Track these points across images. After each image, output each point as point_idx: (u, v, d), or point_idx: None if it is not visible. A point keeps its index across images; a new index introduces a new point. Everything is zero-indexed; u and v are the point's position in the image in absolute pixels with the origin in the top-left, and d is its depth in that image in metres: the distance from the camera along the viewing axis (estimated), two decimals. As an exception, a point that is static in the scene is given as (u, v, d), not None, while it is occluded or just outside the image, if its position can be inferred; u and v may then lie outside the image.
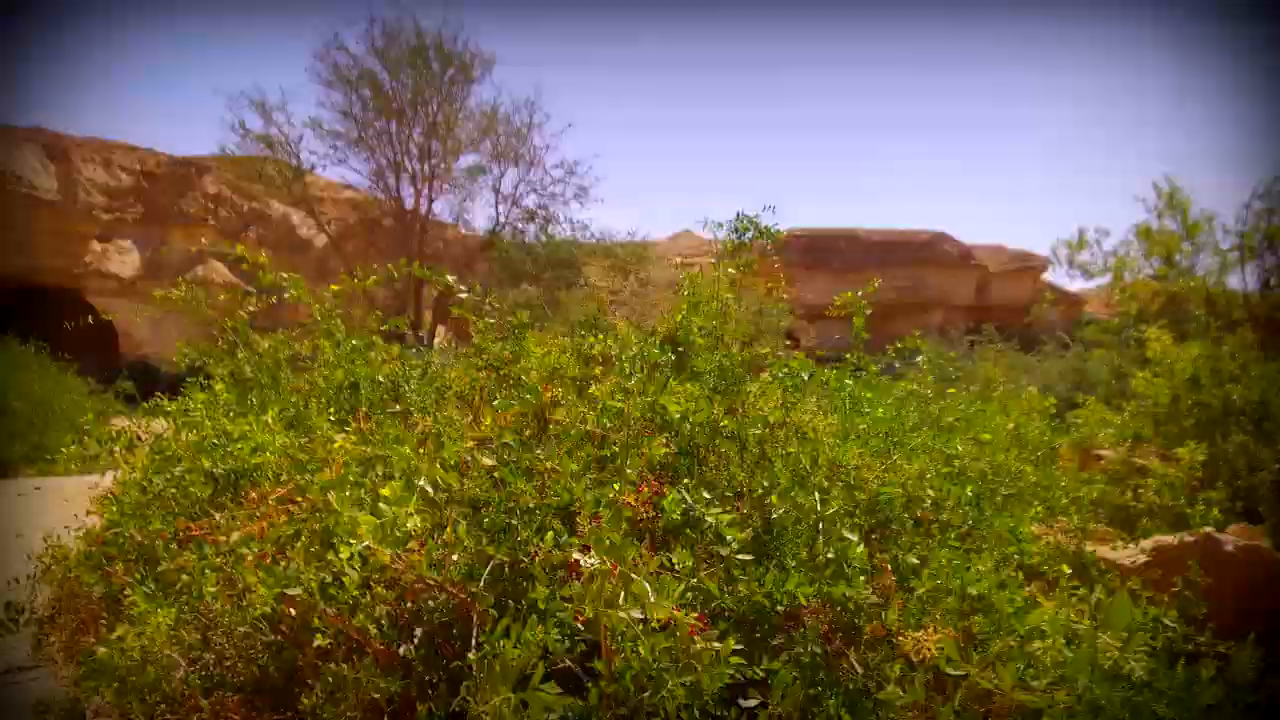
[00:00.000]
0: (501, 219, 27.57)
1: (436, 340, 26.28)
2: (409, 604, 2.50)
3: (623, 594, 1.83)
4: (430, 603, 2.48)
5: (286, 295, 6.65)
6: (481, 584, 2.38)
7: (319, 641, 2.51)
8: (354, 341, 4.86)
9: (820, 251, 39.32)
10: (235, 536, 2.92)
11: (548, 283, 27.38)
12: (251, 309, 6.10)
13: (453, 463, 2.54)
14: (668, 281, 34.71)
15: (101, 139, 30.97)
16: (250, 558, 3.03)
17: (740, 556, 2.25)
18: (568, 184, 26.89)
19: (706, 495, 2.39)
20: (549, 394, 3.15)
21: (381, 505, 2.29)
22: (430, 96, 25.25)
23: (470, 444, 2.70)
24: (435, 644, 2.51)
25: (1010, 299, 42.99)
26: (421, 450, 2.58)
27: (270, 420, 3.88)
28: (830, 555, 2.41)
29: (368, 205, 29.29)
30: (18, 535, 11.70)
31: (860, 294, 4.76)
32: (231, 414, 4.27)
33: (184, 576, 3.07)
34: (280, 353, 6.27)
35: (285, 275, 5.17)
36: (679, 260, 40.82)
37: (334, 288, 6.45)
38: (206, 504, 3.81)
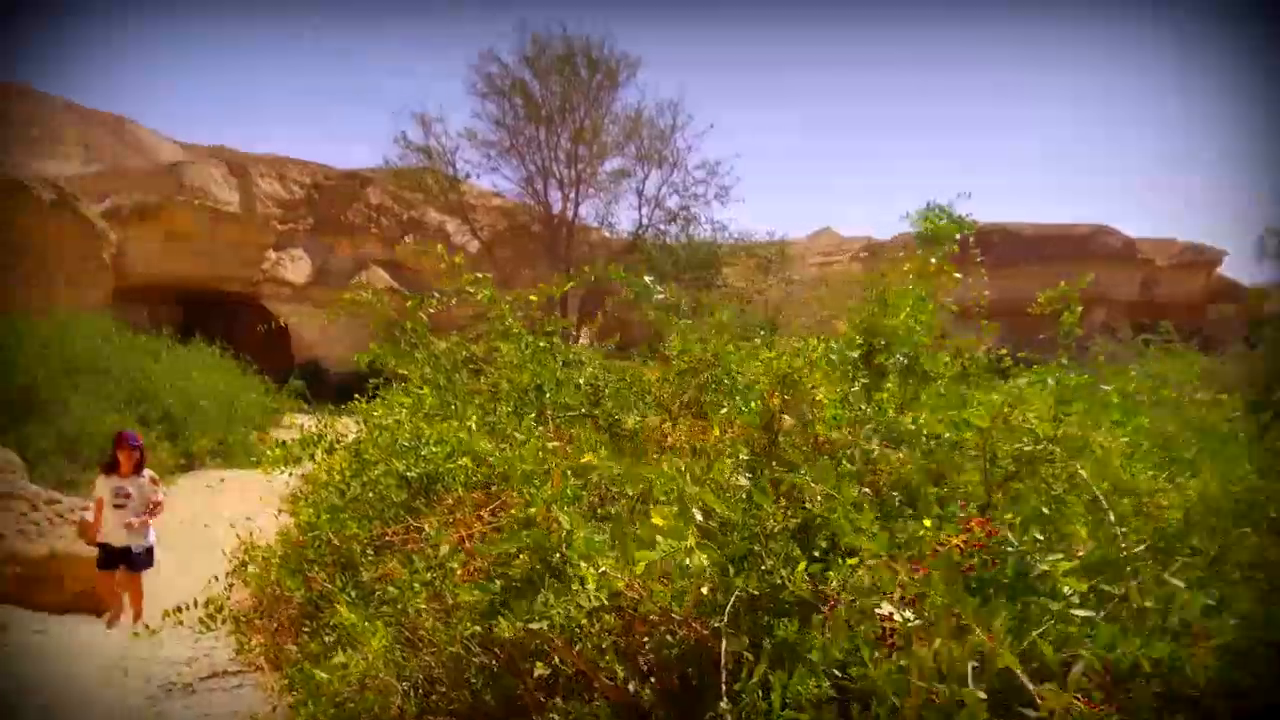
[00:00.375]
0: (644, 221, 27.53)
1: (581, 341, 26.46)
2: (641, 636, 2.20)
3: (967, 664, 1.43)
4: (668, 637, 2.17)
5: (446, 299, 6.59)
6: (725, 619, 2.05)
7: (539, 670, 2.25)
8: (540, 342, 4.65)
9: (971, 247, 37.33)
10: (444, 550, 2.71)
11: (688, 284, 27.13)
12: (432, 310, 5.99)
13: (718, 483, 2.22)
14: (811, 280, 33.87)
15: (276, 155, 32.89)
16: (459, 571, 2.82)
17: (1079, 612, 1.81)
18: (709, 184, 26.59)
19: (1038, 536, 1.97)
20: (775, 400, 2.79)
21: (643, 533, 1.97)
22: (578, 102, 25.51)
23: (730, 461, 2.36)
24: (671, 685, 2.19)
25: (1180, 294, 39.68)
26: (681, 469, 2.26)
27: (474, 424, 3.68)
28: (1149, 604, 1.94)
29: (517, 211, 29.87)
30: (205, 525, 12.36)
31: (1055, 289, 4.17)
32: (427, 416, 4.11)
33: (390, 589, 2.88)
34: (457, 354, 6.16)
35: (478, 275, 5.00)
36: (820, 259, 39.80)
37: (534, 296, 6.28)
38: (401, 509, 3.66)
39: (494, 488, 3.70)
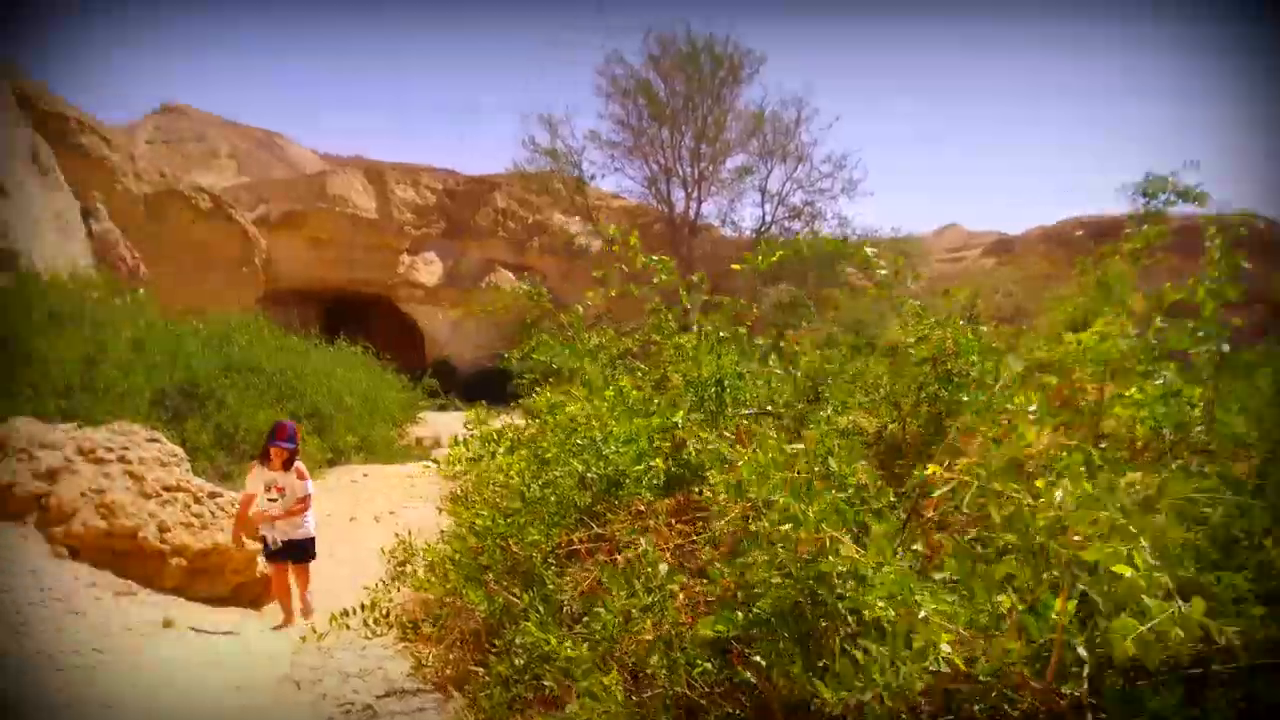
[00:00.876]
0: (768, 218, 26.79)
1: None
2: (965, 702, 1.66)
3: None
4: (1007, 708, 1.62)
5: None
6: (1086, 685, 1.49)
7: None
8: (723, 333, 4.15)
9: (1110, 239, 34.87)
10: (662, 569, 2.25)
11: (812, 281, 26.24)
12: (598, 304, 5.59)
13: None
14: (938, 277, 32.30)
15: (410, 164, 33.73)
16: (680, 594, 2.35)
17: None
18: (835, 178, 25.63)
19: None
20: (1094, 393, 2.20)
21: (997, 570, 1.45)
22: (701, 100, 25.06)
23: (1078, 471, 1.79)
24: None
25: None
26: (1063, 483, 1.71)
27: (682, 420, 3.21)
28: None
29: (638, 212, 29.65)
30: (350, 519, 12.44)
31: None
32: (615, 412, 3.68)
33: (604, 614, 2.43)
34: (612, 349, 5.74)
35: (656, 258, 4.54)
36: (947, 256, 37.96)
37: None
38: (584, 514, 3.25)
39: (692, 493, 3.24)
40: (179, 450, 7.55)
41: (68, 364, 12.55)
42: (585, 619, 2.69)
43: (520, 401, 6.17)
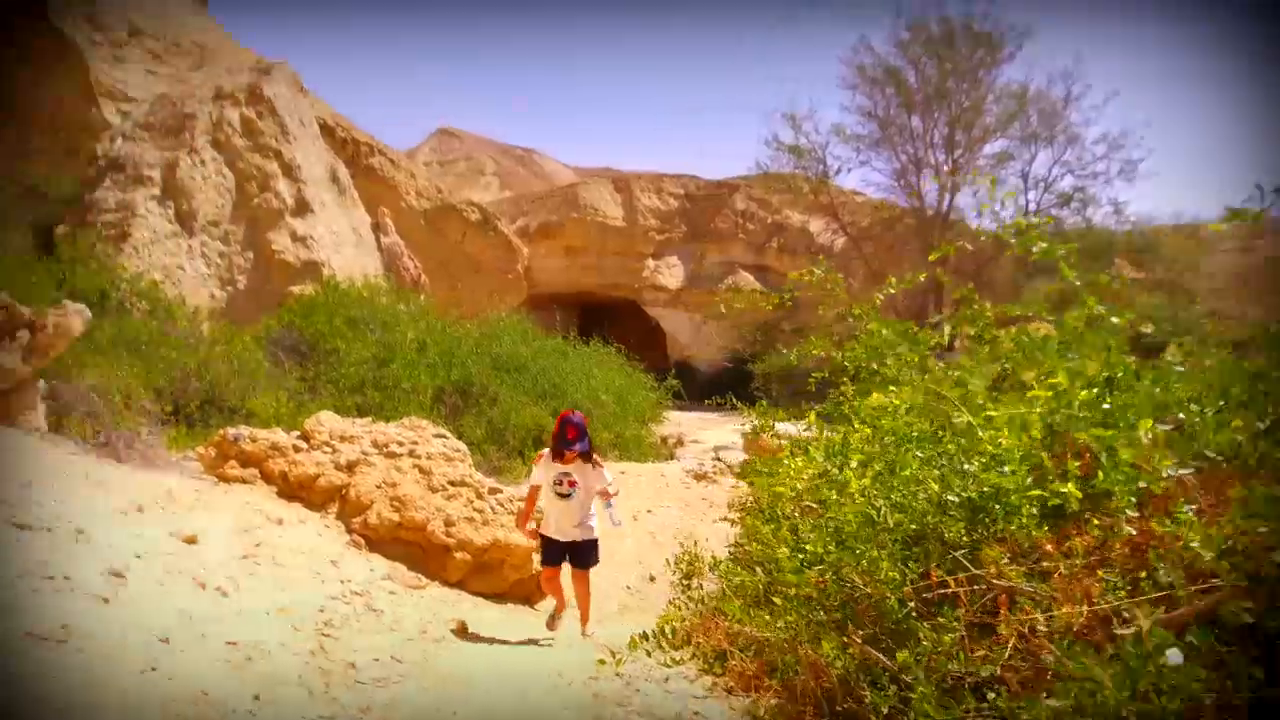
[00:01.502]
0: (1031, 206, 24.19)
1: (956, 345, 23.90)
2: None
3: None
4: None
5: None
6: None
7: None
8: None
9: None
10: (1146, 625, 1.49)
11: (1080, 276, 23.31)
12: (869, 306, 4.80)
13: None
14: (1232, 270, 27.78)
15: (653, 172, 34.13)
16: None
17: None
18: (1110, 160, 22.61)
19: None
20: None
21: None
22: (956, 84, 23.08)
23: None
24: None
25: None
26: None
27: (1112, 436, 2.40)
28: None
29: (883, 207, 27.98)
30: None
31: None
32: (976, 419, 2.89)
33: (1053, 703, 1.70)
34: (924, 344, 4.88)
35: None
36: (1233, 245, 32.65)
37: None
38: (948, 545, 2.51)
39: (1090, 525, 2.41)
40: (462, 446, 7.58)
41: (362, 363, 13.50)
42: (992, 696, 1.97)
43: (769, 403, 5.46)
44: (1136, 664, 1.53)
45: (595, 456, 5.67)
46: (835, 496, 3.02)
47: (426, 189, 22.50)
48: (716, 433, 24.31)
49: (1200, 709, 1.51)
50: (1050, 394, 2.80)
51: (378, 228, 19.04)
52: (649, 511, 12.28)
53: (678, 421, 23.80)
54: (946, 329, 4.85)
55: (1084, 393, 2.66)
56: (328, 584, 4.88)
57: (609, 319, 32.70)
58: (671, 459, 18.82)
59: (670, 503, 13.43)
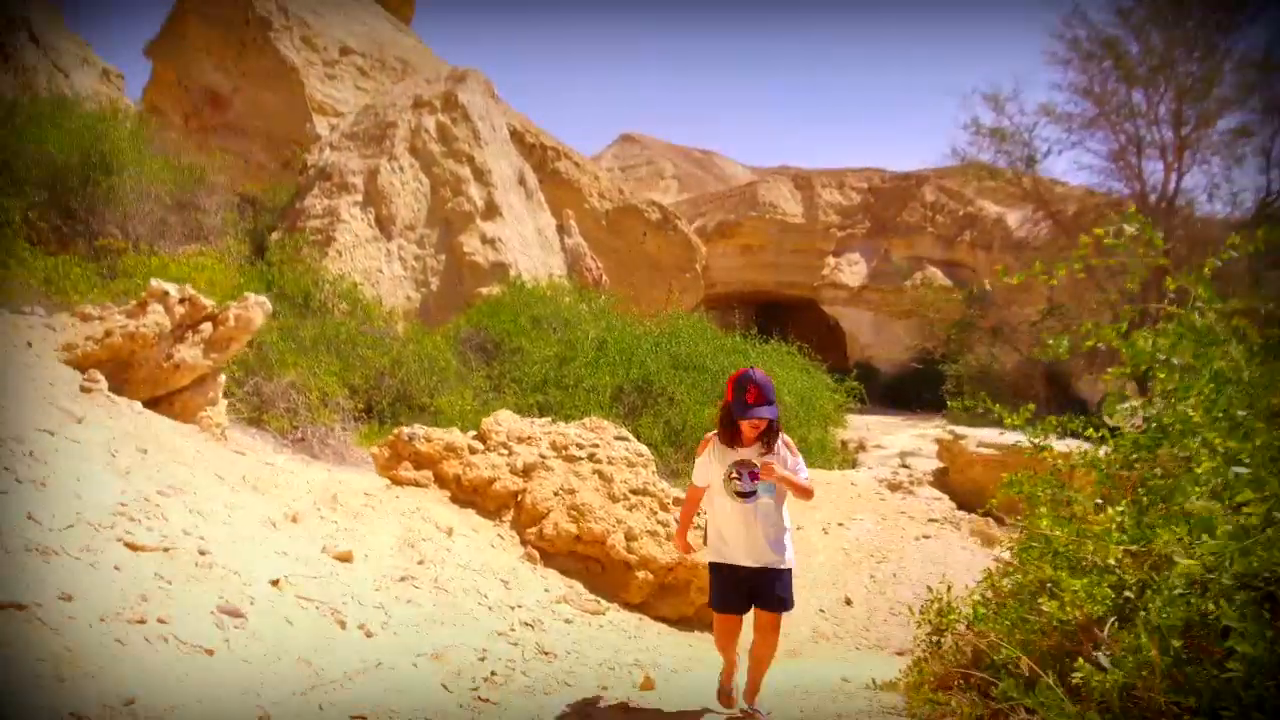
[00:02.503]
0: (1274, 186, 20.46)
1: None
2: None
3: None
4: None
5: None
6: None
7: None
8: None
9: None
10: None
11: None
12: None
13: None
14: None
15: (837, 168, 32.30)
16: None
17: None
18: (1387, 130, 18.63)
19: None
20: None
21: None
22: (1185, 53, 19.84)
23: None
24: None
25: None
26: None
27: None
28: None
29: (1087, 197, 24.73)
30: (798, 528, 11.07)
31: None
32: None
33: None
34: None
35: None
36: None
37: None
38: None
39: None
40: (645, 450, 6.67)
41: (544, 362, 13.05)
42: None
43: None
44: None
45: (785, 438, 3.61)
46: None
47: (609, 190, 22.08)
48: (900, 437, 22.35)
49: None
50: None
51: (562, 229, 18.74)
52: (840, 525, 10.93)
53: (857, 425, 22.07)
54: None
55: None
56: (495, 612, 4.07)
57: (786, 318, 31.18)
58: (853, 465, 17.32)
59: (863, 515, 11.95)
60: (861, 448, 20.39)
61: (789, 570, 3.62)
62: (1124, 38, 20.07)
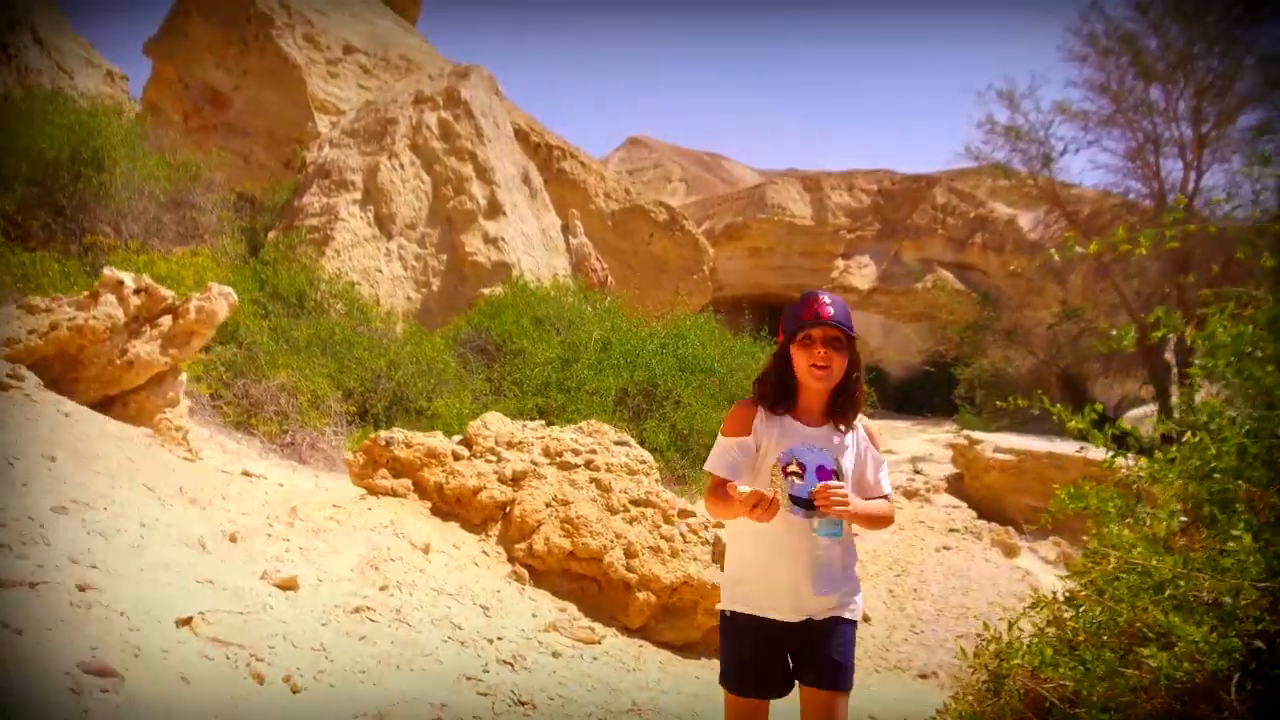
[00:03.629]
0: (1298, 188, 19.68)
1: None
2: None
3: None
4: None
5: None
6: None
7: None
8: None
9: None
10: None
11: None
12: None
13: None
14: None
15: (845, 169, 31.60)
16: None
17: None
18: None
19: None
20: None
21: None
22: (1205, 49, 19.08)
23: None
24: None
25: None
26: None
27: None
28: None
29: (1101, 198, 23.94)
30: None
31: None
32: None
33: None
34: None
35: None
36: None
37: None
38: None
39: None
40: (648, 457, 6.01)
41: (547, 364, 12.42)
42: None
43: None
44: None
45: (866, 423, 2.41)
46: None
47: (615, 190, 21.46)
48: (911, 442, 21.60)
49: None
50: None
51: (567, 229, 18.12)
52: (856, 534, 10.26)
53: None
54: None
55: None
56: (468, 648, 3.42)
57: (796, 322, 30.46)
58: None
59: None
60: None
61: (854, 625, 2.32)
62: (1142, 33, 19.36)
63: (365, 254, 14.20)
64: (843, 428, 2.29)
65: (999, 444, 14.40)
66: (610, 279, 18.61)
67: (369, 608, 3.34)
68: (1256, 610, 2.18)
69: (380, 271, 14.29)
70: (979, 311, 24.29)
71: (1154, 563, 2.48)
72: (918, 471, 17.89)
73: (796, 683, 2.28)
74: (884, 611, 8.18)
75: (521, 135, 19.14)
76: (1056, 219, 22.49)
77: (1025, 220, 27.19)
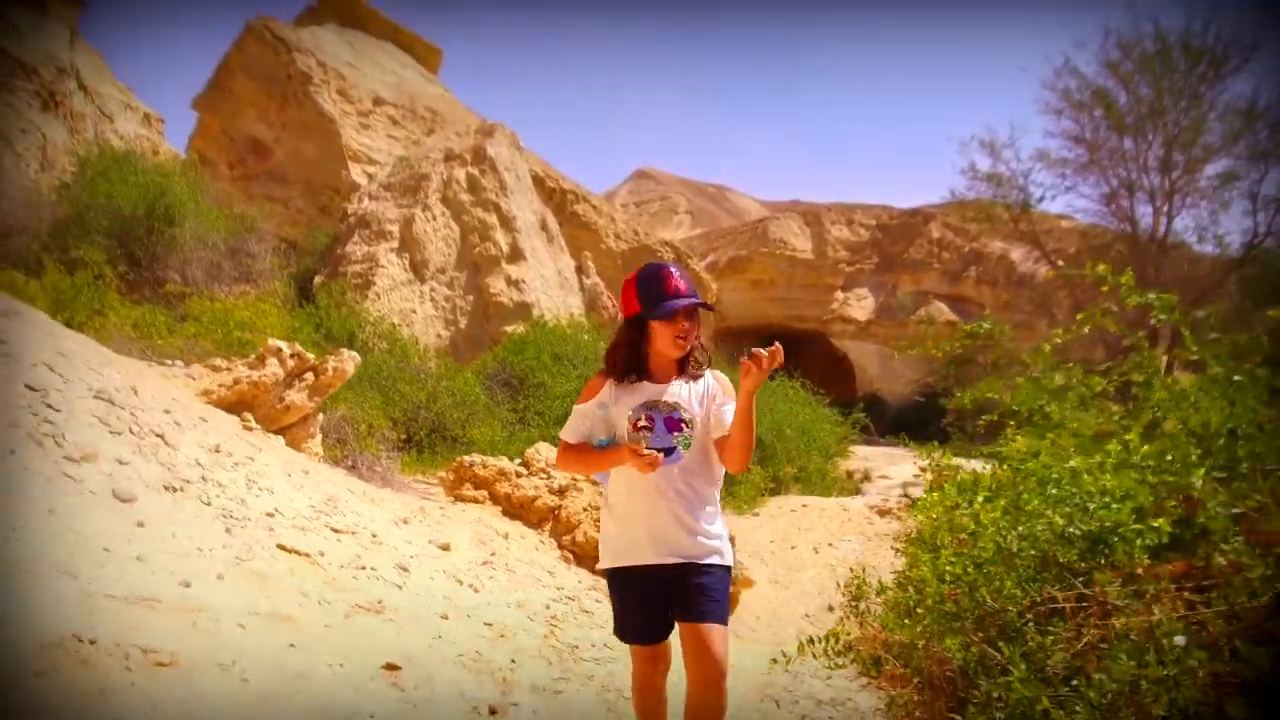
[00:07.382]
0: (1260, 229, 22.27)
1: (1174, 375, 22.19)
2: None
3: None
4: None
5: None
6: None
7: None
8: (1235, 375, 3.56)
9: None
10: (1179, 640, 2.01)
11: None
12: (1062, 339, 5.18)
13: None
14: None
15: (846, 203, 34.30)
16: (1200, 673, 2.10)
17: None
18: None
19: None
20: None
21: None
22: (1173, 103, 21.75)
23: None
24: None
25: None
26: None
27: (1201, 480, 2.89)
28: None
29: (1091, 233, 26.59)
30: (791, 547, 12.87)
31: None
32: (1093, 464, 3.39)
33: (1105, 680, 2.26)
34: (1081, 390, 5.22)
35: (1155, 296, 4.05)
36: None
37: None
38: (1065, 569, 3.03)
39: (1195, 559, 2.86)
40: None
41: (565, 396, 14.87)
42: (1073, 682, 2.51)
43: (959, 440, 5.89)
44: (1133, 651, 2.06)
45: (717, 373, 2.79)
46: (973, 527, 3.56)
47: (624, 231, 24.07)
48: (904, 468, 23.97)
49: (1207, 686, 2.01)
50: (1157, 447, 3.27)
51: (580, 270, 20.68)
52: (830, 545, 12.70)
53: (865, 456, 23.72)
54: (1113, 375, 5.09)
55: (1194, 448, 3.11)
56: (547, 589, 5.89)
57: (796, 350, 33.04)
58: (858, 494, 18.92)
59: (852, 536, 13.79)
60: (867, 478, 22.02)
61: (726, 569, 2.66)
62: (1113, 88, 22.03)
63: (402, 296, 16.76)
64: (691, 381, 2.68)
65: (970, 470, 16.80)
66: (621, 316, 21.13)
67: (490, 562, 5.79)
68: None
69: (415, 312, 16.85)
70: (965, 344, 26.74)
71: (927, 525, 4.92)
72: (906, 495, 20.26)
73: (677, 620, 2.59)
74: (845, 602, 10.60)
75: (538, 181, 21.78)
76: (1039, 258, 25.12)
77: (1017, 254, 29.81)
